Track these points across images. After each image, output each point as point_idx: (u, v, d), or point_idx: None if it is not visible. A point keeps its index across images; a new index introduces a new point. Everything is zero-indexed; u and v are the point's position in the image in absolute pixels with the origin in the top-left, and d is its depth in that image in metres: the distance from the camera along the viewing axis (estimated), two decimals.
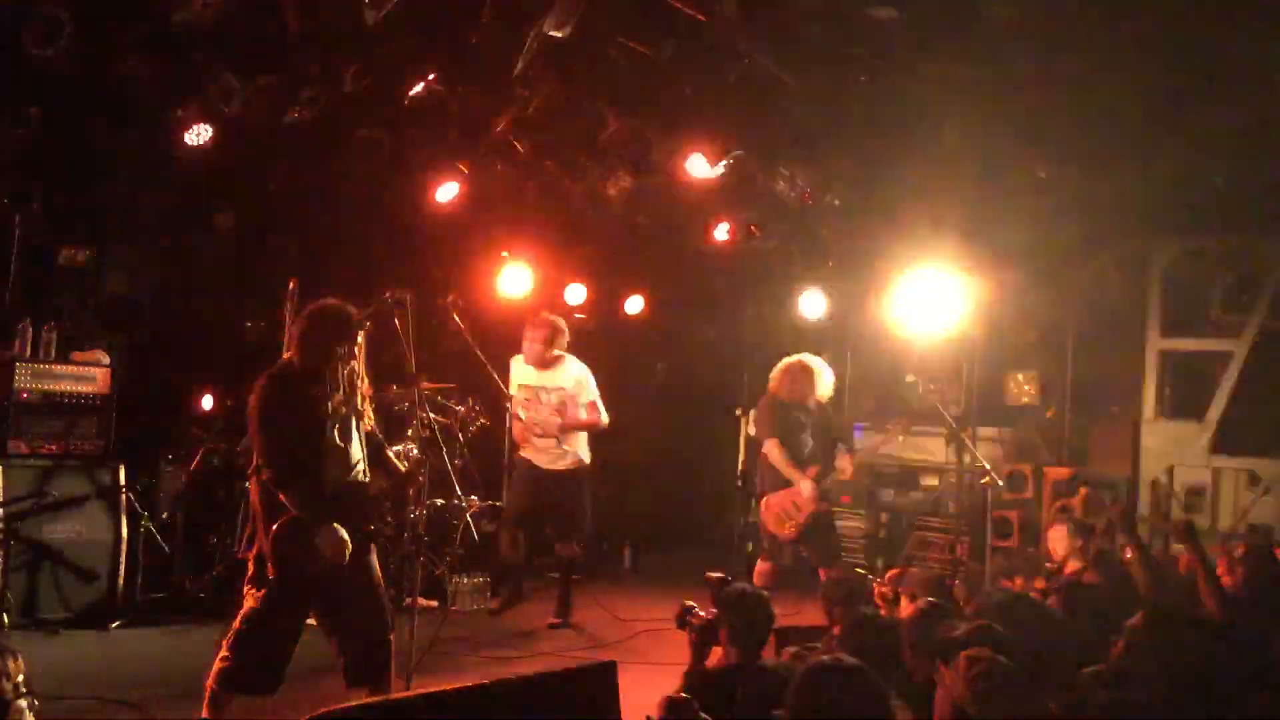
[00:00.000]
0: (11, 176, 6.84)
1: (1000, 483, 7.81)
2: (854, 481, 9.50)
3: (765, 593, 4.23)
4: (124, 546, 6.60)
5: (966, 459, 8.42)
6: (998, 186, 7.94)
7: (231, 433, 7.10)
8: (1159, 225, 8.66)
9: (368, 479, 4.38)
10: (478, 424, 7.56)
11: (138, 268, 7.65)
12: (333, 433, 4.23)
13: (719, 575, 4.44)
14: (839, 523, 9.51)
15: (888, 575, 5.81)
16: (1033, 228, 8.52)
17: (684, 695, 3.09)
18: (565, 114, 7.13)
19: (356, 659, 4.26)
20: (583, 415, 7.13)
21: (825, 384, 7.13)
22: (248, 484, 6.20)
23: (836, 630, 4.20)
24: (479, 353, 6.91)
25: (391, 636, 4.37)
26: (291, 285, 6.49)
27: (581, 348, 9.63)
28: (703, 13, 5.79)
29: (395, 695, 4.25)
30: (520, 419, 7.08)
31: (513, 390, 7.11)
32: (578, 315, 9.80)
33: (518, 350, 7.23)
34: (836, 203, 8.47)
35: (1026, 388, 9.10)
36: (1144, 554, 4.35)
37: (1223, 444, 8.41)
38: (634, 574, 9.62)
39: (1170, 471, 8.40)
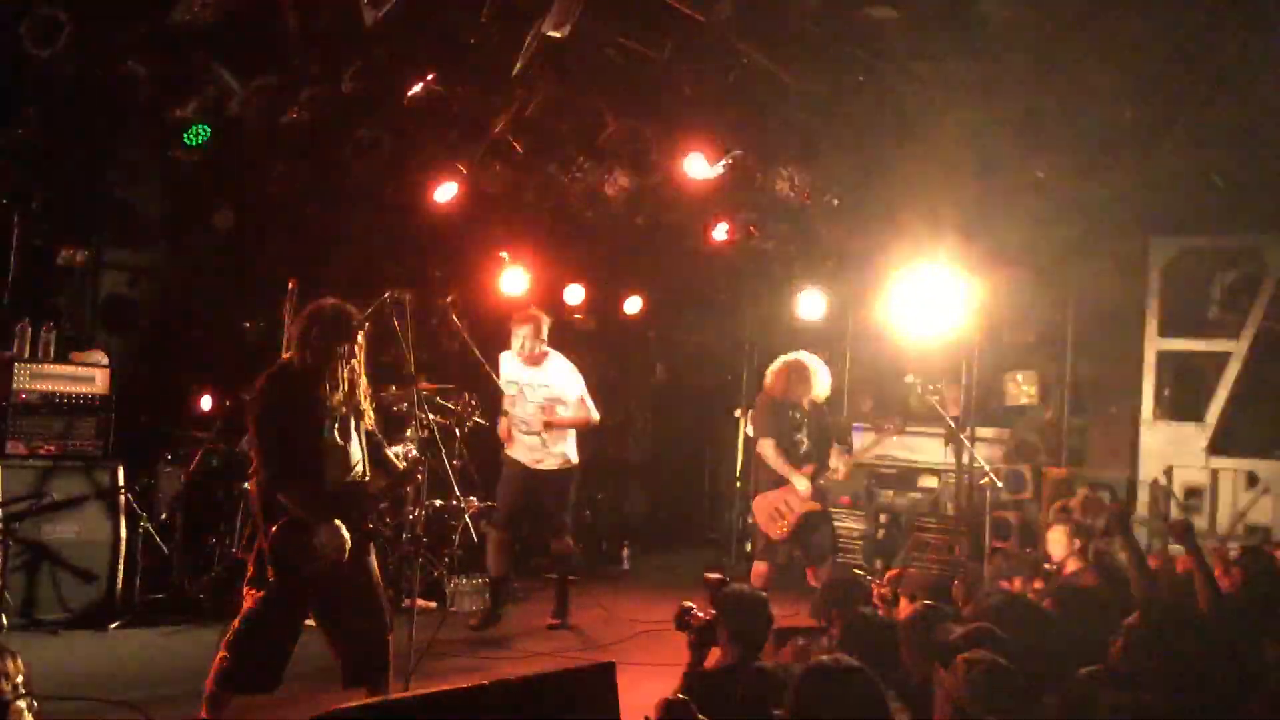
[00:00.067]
0: (10, 176, 6.84)
1: (999, 483, 7.82)
2: (852, 482, 9.51)
3: (764, 594, 4.23)
4: (123, 547, 6.59)
5: (965, 460, 8.44)
6: (997, 186, 7.95)
7: (231, 433, 7.10)
8: (1158, 225, 8.66)
9: (367, 478, 4.38)
10: (472, 420, 7.47)
11: (136, 268, 7.64)
12: (332, 432, 4.24)
13: (718, 576, 4.44)
14: (836, 523, 9.57)
15: (887, 576, 5.81)
16: (1031, 228, 8.54)
17: (682, 696, 3.10)
18: (564, 114, 7.13)
19: (355, 659, 4.26)
20: (568, 413, 7.04)
21: (822, 383, 7.12)
22: (247, 484, 6.22)
23: (835, 631, 4.20)
24: (477, 353, 6.92)
25: (390, 637, 4.37)
26: (291, 285, 6.49)
27: (581, 348, 9.64)
28: (701, 13, 5.79)
29: (394, 696, 4.25)
30: (506, 414, 7.03)
31: (504, 387, 7.05)
32: (577, 315, 9.81)
33: None
34: (835, 203, 8.48)
35: (1025, 388, 9.10)
36: (1137, 555, 4.34)
37: (1221, 445, 8.42)
38: (633, 574, 9.62)
39: (1169, 472, 8.40)
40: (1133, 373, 8.85)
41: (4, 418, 6.35)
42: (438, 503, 7.06)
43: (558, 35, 5.53)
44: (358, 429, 4.36)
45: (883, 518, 9.65)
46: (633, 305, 10.12)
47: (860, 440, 9.02)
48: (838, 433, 7.50)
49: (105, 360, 6.96)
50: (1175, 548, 6.63)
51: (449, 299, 6.93)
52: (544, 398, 7.00)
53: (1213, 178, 7.45)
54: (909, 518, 9.46)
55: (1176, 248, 8.70)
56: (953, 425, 7.96)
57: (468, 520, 6.60)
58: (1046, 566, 6.46)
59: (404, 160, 7.75)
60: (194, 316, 7.98)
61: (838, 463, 7.06)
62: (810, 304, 9.97)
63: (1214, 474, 8.35)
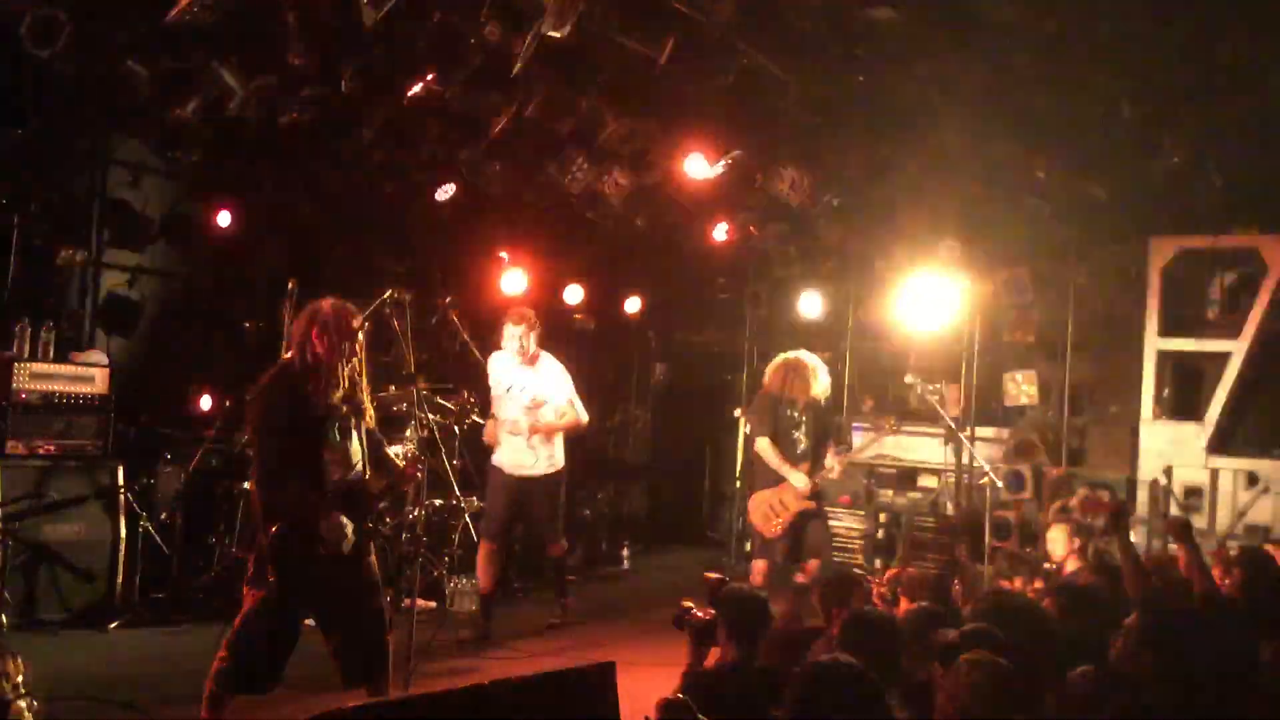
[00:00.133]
0: (9, 176, 6.84)
1: (999, 483, 7.82)
2: (852, 481, 9.51)
3: (763, 593, 4.22)
4: (123, 547, 6.59)
5: (965, 459, 8.44)
6: (997, 186, 7.95)
7: (230, 432, 7.11)
8: (1158, 225, 8.66)
9: (367, 477, 4.38)
10: (471, 420, 7.41)
11: (136, 268, 7.64)
12: (333, 431, 4.24)
13: (717, 576, 4.44)
14: (836, 522, 9.57)
15: (886, 576, 5.81)
16: (1031, 228, 8.54)
17: (681, 696, 3.10)
18: (564, 114, 7.13)
19: (355, 659, 4.26)
20: (553, 416, 6.85)
21: (821, 382, 7.12)
22: (247, 484, 6.22)
23: (834, 631, 4.20)
24: (477, 353, 6.91)
25: (390, 637, 4.37)
26: (291, 285, 6.50)
27: (580, 348, 9.65)
28: (701, 13, 5.79)
29: (393, 696, 4.25)
30: (494, 418, 6.86)
31: (493, 387, 6.87)
32: (576, 316, 9.82)
33: None
34: (835, 203, 8.48)
35: (1025, 388, 9.10)
36: (1131, 554, 4.33)
37: (1221, 444, 8.42)
38: (633, 574, 9.62)
39: (1168, 472, 8.40)
40: (1132, 373, 8.84)
41: (4, 418, 6.34)
42: (437, 502, 7.06)
43: (558, 35, 5.53)
44: (358, 428, 4.36)
45: (882, 517, 9.65)
46: (632, 305, 10.12)
47: (860, 440, 9.03)
48: (835, 432, 7.49)
49: (105, 360, 6.97)
50: (1174, 547, 6.63)
51: (448, 299, 6.92)
52: (531, 399, 6.81)
53: (1211, 178, 7.45)
54: (909, 517, 9.47)
55: (1176, 248, 8.69)
56: (952, 425, 7.96)
57: (467, 520, 6.59)
58: (1046, 566, 6.47)
59: (403, 160, 7.77)
60: (193, 316, 7.98)
61: (833, 461, 7.06)
62: (810, 304, 9.98)
63: (1214, 474, 8.34)
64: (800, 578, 7.11)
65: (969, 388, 9.08)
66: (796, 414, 7.05)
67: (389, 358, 6.49)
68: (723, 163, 7.60)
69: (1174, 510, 8.19)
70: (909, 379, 7.68)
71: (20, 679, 3.62)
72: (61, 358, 6.72)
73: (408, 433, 7.23)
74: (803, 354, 7.19)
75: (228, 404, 7.16)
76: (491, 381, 6.90)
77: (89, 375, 6.69)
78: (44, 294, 7.18)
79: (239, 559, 6.36)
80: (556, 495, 7.05)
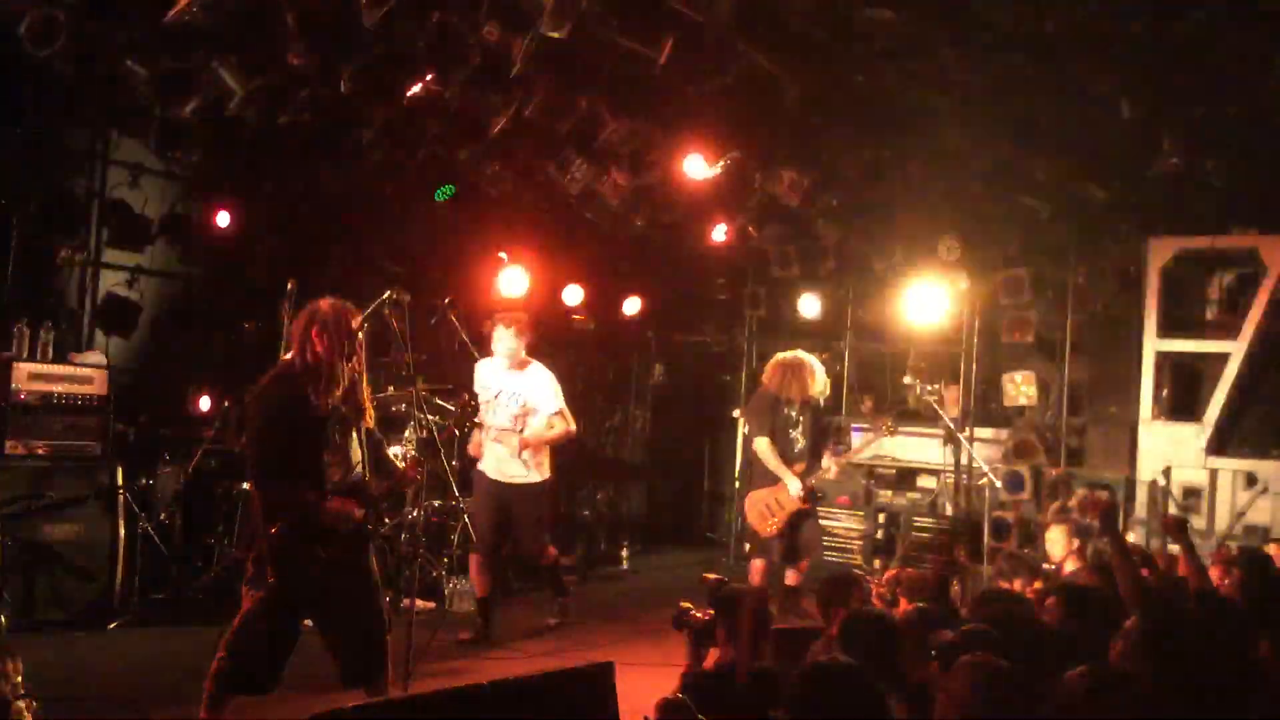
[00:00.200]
0: (8, 176, 6.84)
1: (998, 484, 7.82)
2: (851, 482, 9.52)
3: (762, 593, 4.22)
4: (122, 547, 6.59)
5: (964, 460, 8.44)
6: (996, 186, 7.96)
7: (229, 433, 7.10)
8: (1157, 226, 8.67)
9: (367, 479, 4.38)
10: (471, 422, 7.34)
11: (135, 268, 7.64)
12: (333, 432, 4.24)
13: (716, 576, 4.44)
14: (836, 522, 9.58)
15: (885, 576, 5.82)
16: (1031, 228, 8.54)
17: (680, 696, 3.10)
18: (563, 114, 7.13)
19: (354, 660, 4.26)
20: (540, 423, 6.68)
21: (818, 381, 7.13)
22: (247, 484, 6.21)
23: (833, 631, 4.20)
24: (476, 354, 6.90)
25: (389, 637, 4.37)
26: (290, 286, 6.49)
27: (580, 348, 9.66)
28: (701, 13, 5.79)
29: (393, 696, 4.25)
30: (479, 426, 6.62)
31: (478, 391, 6.67)
32: (576, 316, 9.82)
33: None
34: (835, 203, 8.49)
35: (1024, 389, 9.11)
36: (1123, 555, 4.32)
37: (1220, 445, 8.42)
38: (632, 574, 9.62)
39: (1167, 472, 8.40)
40: (1131, 373, 8.85)
41: (3, 418, 6.34)
42: (436, 503, 7.06)
43: (557, 35, 5.54)
44: (358, 429, 4.36)
45: (881, 518, 9.66)
46: (632, 306, 10.12)
47: (858, 440, 9.04)
48: (834, 432, 7.50)
49: (104, 360, 6.97)
50: (1175, 548, 6.63)
51: (447, 300, 6.91)
52: (521, 405, 6.66)
53: (1210, 178, 7.45)
54: (908, 518, 9.47)
55: (1175, 248, 8.70)
56: (951, 425, 7.97)
57: (466, 521, 6.59)
58: (1045, 566, 6.47)
59: (403, 160, 7.77)
60: (193, 317, 7.97)
61: (830, 461, 7.07)
62: (809, 304, 9.99)
63: (1213, 474, 8.35)
64: (790, 579, 7.12)
65: (968, 388, 9.09)
66: (794, 413, 7.05)
67: (388, 358, 6.50)
68: (721, 163, 7.61)
69: (1172, 510, 8.19)
70: (908, 379, 7.69)
71: (19, 679, 3.62)
72: (60, 358, 6.72)
73: (407, 433, 7.24)
74: (800, 354, 7.20)
75: (227, 404, 7.16)
76: (478, 388, 6.69)
77: (88, 376, 6.69)
78: (43, 294, 7.18)
79: (238, 559, 6.35)
80: (541, 503, 6.83)
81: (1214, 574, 4.99)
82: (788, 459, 6.94)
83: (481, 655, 6.46)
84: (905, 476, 9.64)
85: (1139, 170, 7.43)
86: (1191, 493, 8.39)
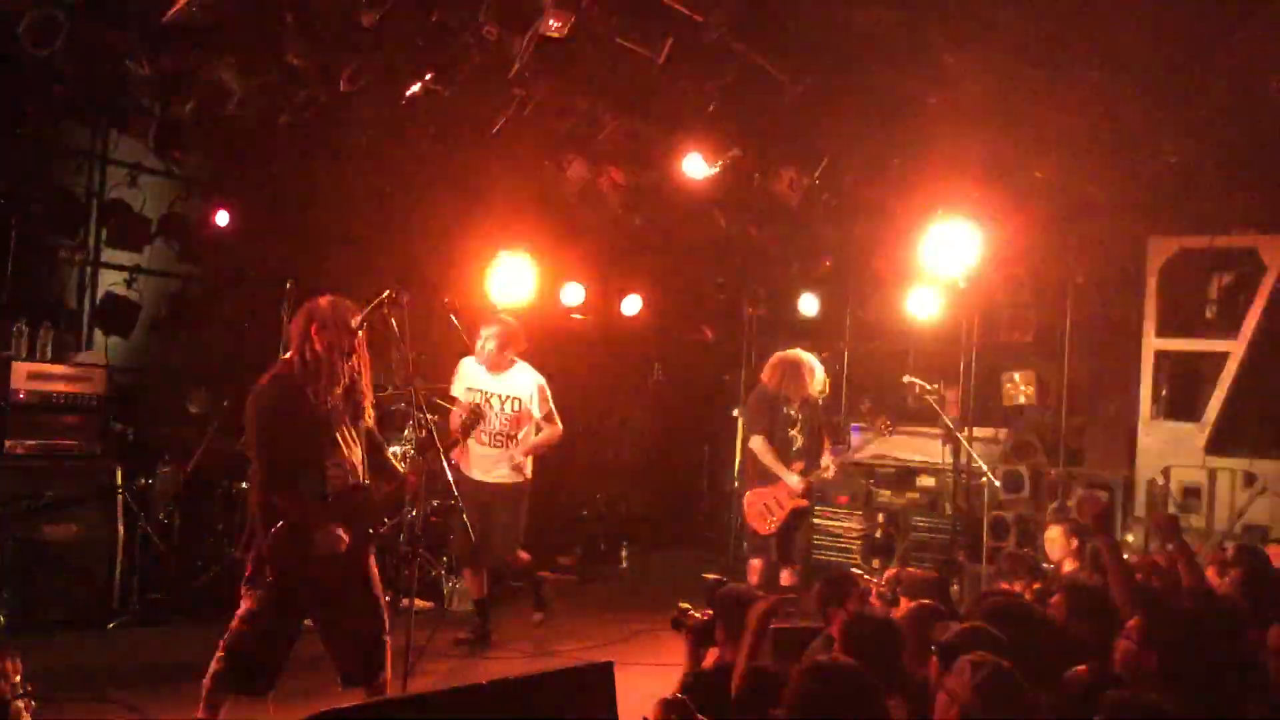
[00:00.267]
0: (8, 176, 6.84)
1: (997, 483, 7.82)
2: (851, 481, 9.52)
3: (761, 593, 4.22)
4: (121, 547, 6.58)
5: (963, 459, 8.44)
6: (996, 186, 7.95)
7: (228, 433, 7.10)
8: (1156, 225, 8.67)
9: (367, 480, 4.37)
10: (477, 423, 7.30)
11: (134, 268, 7.64)
12: (333, 432, 4.23)
13: (715, 576, 4.44)
14: (835, 522, 9.59)
15: (885, 576, 5.82)
16: (1030, 228, 8.54)
17: (681, 696, 3.10)
18: (562, 113, 7.13)
19: (354, 660, 4.26)
20: (531, 430, 6.66)
21: (817, 380, 7.13)
22: (246, 484, 6.21)
23: (834, 630, 4.20)
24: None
25: (388, 637, 4.37)
26: (289, 285, 6.49)
27: (580, 348, 9.65)
28: (700, 13, 5.79)
29: (392, 696, 4.25)
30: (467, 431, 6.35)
31: (457, 392, 6.67)
32: (575, 315, 9.81)
33: (525, 353, 6.90)
34: (834, 203, 8.48)
35: (1023, 388, 9.11)
36: (1117, 557, 4.31)
37: (1219, 444, 8.42)
38: (632, 574, 9.62)
39: (1167, 472, 8.41)
40: (1130, 372, 8.86)
41: (2, 418, 6.34)
42: (435, 503, 7.05)
43: (556, 35, 5.53)
44: (358, 429, 4.35)
45: (880, 517, 9.66)
46: (632, 305, 10.12)
47: (859, 439, 9.05)
48: (831, 431, 7.49)
49: (103, 360, 6.96)
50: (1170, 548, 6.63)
51: (447, 300, 6.90)
52: (512, 411, 6.61)
53: (1210, 178, 7.46)
54: (907, 517, 9.47)
55: (1174, 248, 8.70)
56: (950, 425, 7.97)
57: (465, 521, 6.59)
58: (1045, 566, 6.48)
59: (402, 160, 7.77)
60: (192, 316, 7.97)
61: (828, 460, 7.07)
62: (808, 304, 9.99)
63: (1212, 473, 8.35)
64: (786, 579, 7.13)
65: (967, 388, 9.09)
66: (792, 412, 7.05)
67: (387, 358, 6.49)
68: (720, 162, 7.60)
69: (1170, 509, 8.19)
70: (907, 379, 7.69)
71: (18, 679, 3.62)
72: (59, 358, 6.71)
73: (406, 433, 7.24)
74: (799, 353, 7.20)
75: (225, 404, 7.15)
76: (465, 386, 6.63)
77: (87, 375, 6.68)
78: (42, 294, 7.17)
79: (238, 559, 6.35)
80: (520, 507, 6.75)
81: (1210, 574, 4.99)
82: (786, 458, 6.94)
83: (481, 655, 6.46)
84: (905, 476, 9.64)
85: (1140, 169, 7.44)
86: (1191, 492, 8.39)
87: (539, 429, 6.69)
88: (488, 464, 6.62)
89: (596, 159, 7.84)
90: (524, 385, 6.66)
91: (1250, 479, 8.26)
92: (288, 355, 4.31)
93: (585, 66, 6.56)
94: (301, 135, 6.93)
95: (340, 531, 4.09)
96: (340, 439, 4.25)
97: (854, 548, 9.58)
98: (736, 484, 9.95)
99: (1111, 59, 6.16)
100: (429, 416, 5.20)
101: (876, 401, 10.08)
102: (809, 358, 7.17)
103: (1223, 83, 6.33)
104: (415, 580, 5.08)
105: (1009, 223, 8.14)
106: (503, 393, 6.63)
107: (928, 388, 7.41)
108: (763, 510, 6.93)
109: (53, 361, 6.64)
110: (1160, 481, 8.39)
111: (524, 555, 6.85)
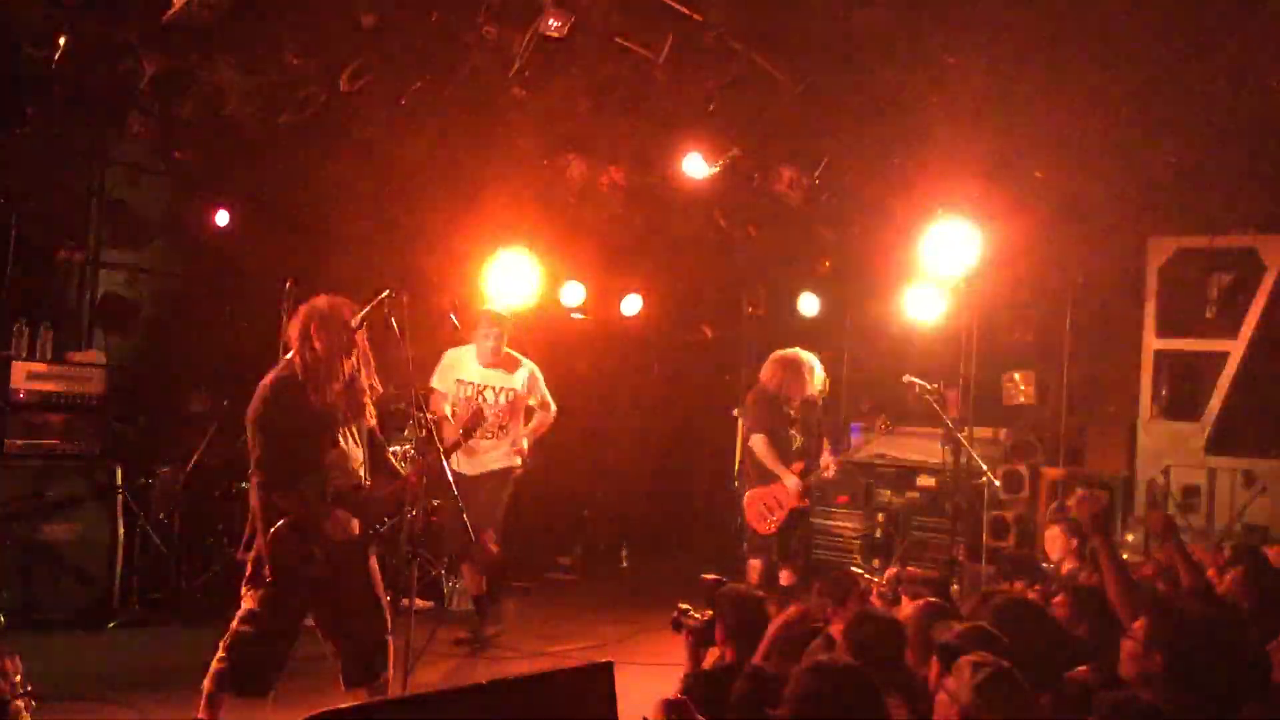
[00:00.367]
0: (8, 176, 6.84)
1: (997, 483, 7.82)
2: (851, 481, 9.52)
3: (760, 593, 4.23)
4: (121, 547, 6.59)
5: (963, 459, 8.44)
6: (996, 186, 7.95)
7: (228, 433, 7.09)
8: (1156, 225, 8.67)
9: (368, 481, 4.38)
10: (479, 424, 7.28)
11: (134, 268, 7.64)
12: (335, 432, 4.24)
13: (714, 577, 4.44)
14: (834, 522, 9.58)
15: (886, 575, 5.82)
16: (1031, 228, 8.54)
17: (681, 696, 3.10)
18: (562, 113, 7.13)
19: (355, 660, 4.26)
20: (529, 416, 6.72)
21: (817, 379, 7.13)
22: (246, 484, 6.20)
23: (834, 631, 4.20)
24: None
25: (390, 638, 4.37)
26: (289, 285, 6.48)
27: (580, 347, 9.65)
28: (699, 12, 5.79)
29: (393, 696, 4.25)
30: (450, 420, 6.50)
31: (443, 385, 6.67)
32: (575, 315, 9.81)
33: (521, 349, 6.96)
34: (834, 203, 8.48)
35: (1023, 388, 9.11)
36: (1114, 559, 4.29)
37: (1219, 444, 8.43)
38: (631, 574, 9.62)
39: (1166, 471, 8.41)
40: (1130, 372, 8.86)
41: (2, 418, 6.34)
42: (435, 502, 7.05)
43: (556, 35, 5.53)
44: (360, 429, 4.36)
45: (880, 517, 9.65)
46: (632, 305, 10.12)
47: (859, 439, 9.05)
48: (830, 430, 7.49)
49: (102, 360, 6.96)
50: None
51: (446, 300, 6.91)
52: (505, 401, 6.65)
53: (1210, 178, 7.46)
54: (907, 517, 9.47)
55: (1174, 248, 8.71)
56: (950, 425, 7.96)
57: (465, 520, 6.58)
58: (1045, 565, 6.48)
59: (402, 160, 7.76)
60: (191, 316, 7.97)
61: (828, 460, 7.07)
62: (808, 304, 9.99)
63: (1212, 473, 8.35)
64: (785, 579, 7.12)
65: (967, 387, 9.09)
66: (792, 412, 7.05)
67: (387, 358, 6.48)
68: (720, 162, 7.60)
69: (1170, 509, 8.20)
70: (907, 379, 7.68)
71: (18, 679, 3.62)
72: (59, 358, 6.71)
73: (405, 432, 7.23)
74: (799, 352, 7.19)
75: (224, 404, 7.15)
76: (454, 378, 6.63)
77: (87, 375, 6.69)
78: (42, 294, 7.17)
79: (238, 559, 6.35)
80: (502, 490, 6.72)
81: (1210, 574, 4.98)
82: (786, 457, 6.94)
83: (480, 655, 6.47)
84: (905, 476, 9.64)
85: (1140, 169, 7.44)
86: (1191, 492, 8.40)
87: (532, 415, 6.75)
88: (479, 457, 6.62)
89: (596, 159, 7.84)
90: (518, 375, 6.71)
91: (1250, 478, 8.26)
92: (290, 356, 4.31)
93: (585, 66, 6.56)
94: (301, 135, 6.92)
95: (347, 515, 4.09)
96: (342, 439, 4.26)
97: (854, 548, 9.57)
98: (736, 484, 9.94)
99: (1111, 59, 6.16)
100: (429, 416, 5.20)
101: (876, 401, 10.08)
102: (809, 357, 7.17)
103: (1223, 83, 6.32)
104: (415, 580, 5.08)
105: (1009, 223, 8.13)
106: (496, 384, 6.67)
107: (928, 388, 7.40)
108: (763, 510, 6.93)
109: (53, 361, 6.63)
110: (1160, 481, 8.39)
111: (494, 546, 6.74)
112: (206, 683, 4.15)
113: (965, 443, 8.00)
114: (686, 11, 5.75)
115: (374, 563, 4.39)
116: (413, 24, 5.90)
